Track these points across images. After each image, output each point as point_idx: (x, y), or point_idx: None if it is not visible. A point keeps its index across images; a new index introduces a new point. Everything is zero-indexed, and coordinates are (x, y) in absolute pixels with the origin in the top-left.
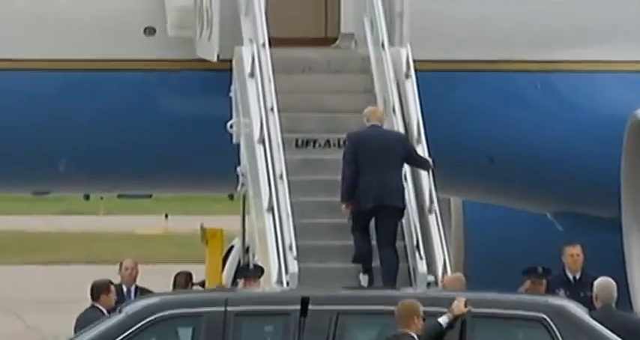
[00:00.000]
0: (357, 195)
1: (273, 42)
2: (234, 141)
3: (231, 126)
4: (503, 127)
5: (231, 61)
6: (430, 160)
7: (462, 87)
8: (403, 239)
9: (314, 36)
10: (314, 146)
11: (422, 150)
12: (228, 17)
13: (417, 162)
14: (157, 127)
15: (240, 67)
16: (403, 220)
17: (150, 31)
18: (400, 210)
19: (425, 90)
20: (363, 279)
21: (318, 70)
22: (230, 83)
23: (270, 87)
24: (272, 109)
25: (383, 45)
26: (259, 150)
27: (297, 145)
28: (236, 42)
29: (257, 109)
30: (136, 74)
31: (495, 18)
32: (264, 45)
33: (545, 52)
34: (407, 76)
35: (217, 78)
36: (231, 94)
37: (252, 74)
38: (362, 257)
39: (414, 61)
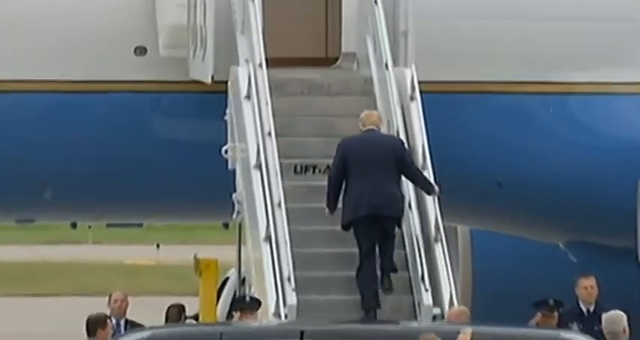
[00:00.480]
0: (348, 204)
1: (271, 62)
2: (230, 166)
3: (226, 151)
4: (513, 152)
5: (226, 82)
6: (437, 187)
7: (469, 109)
8: (408, 270)
9: (314, 56)
10: (314, 172)
11: (428, 175)
12: (223, 36)
13: (411, 173)
14: (148, 152)
15: (235, 88)
16: (407, 250)
17: (140, 50)
18: (395, 219)
19: (431, 113)
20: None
21: (318, 92)
22: (225, 106)
23: (268, 110)
24: (269, 133)
25: (386, 65)
26: (256, 176)
27: (295, 171)
28: (231, 62)
29: (253, 133)
30: (126, 96)
31: (505, 37)
32: (261, 65)
33: (558, 73)
34: (412, 98)
35: (212, 100)
36: (227, 117)
37: (248, 96)
38: (367, 288)
39: (419, 83)
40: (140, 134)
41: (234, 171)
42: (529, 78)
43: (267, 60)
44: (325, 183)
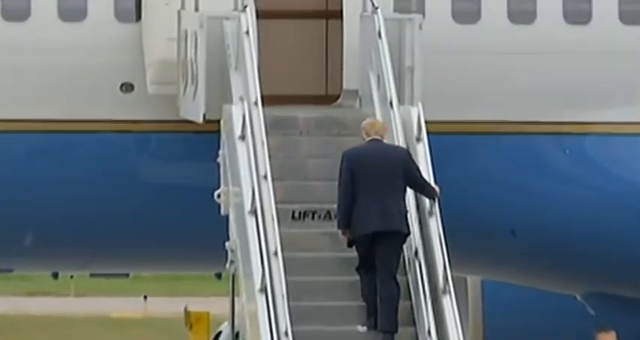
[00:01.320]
0: (356, 219)
1: (267, 100)
2: (223, 212)
3: (219, 196)
4: (527, 197)
5: (219, 121)
6: (437, 187)
7: (480, 151)
8: (414, 324)
9: (313, 93)
10: (313, 218)
11: (435, 222)
12: (215, 72)
13: (419, 185)
14: (135, 196)
15: (229, 128)
16: (413, 302)
17: (127, 87)
18: (404, 235)
19: (438, 155)
20: (362, 330)
21: (318, 132)
22: (218, 147)
23: (264, 152)
24: (265, 176)
25: (391, 103)
26: (251, 222)
27: (294, 217)
28: (225, 100)
29: (248, 176)
30: (112, 136)
31: (517, 73)
32: (256, 103)
33: (575, 112)
34: (418, 138)
35: (203, 141)
36: (219, 159)
37: (242, 136)
38: (366, 301)
39: (426, 122)
40: (127, 177)
41: (227, 217)
42: (543, 117)
43: (262, 97)
44: (326, 229)
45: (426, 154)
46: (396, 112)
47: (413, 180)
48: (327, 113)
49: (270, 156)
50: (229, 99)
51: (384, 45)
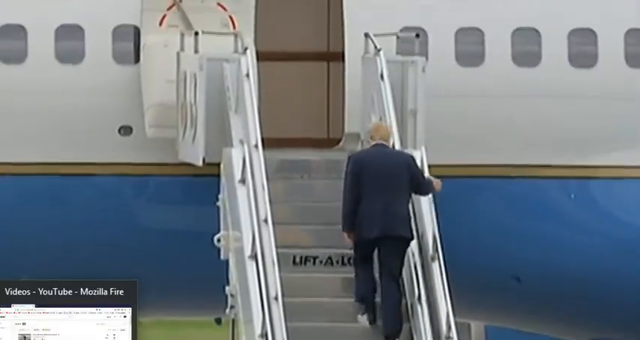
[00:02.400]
0: (360, 223)
1: (268, 143)
2: (223, 256)
3: (218, 240)
4: (532, 243)
5: (218, 164)
6: (433, 180)
7: (484, 195)
8: None
9: (314, 136)
10: (314, 263)
11: (438, 268)
12: (215, 115)
13: (424, 190)
14: (132, 240)
15: (229, 171)
16: None
17: (125, 130)
18: (407, 240)
19: (442, 199)
20: (362, 320)
21: (319, 176)
22: (217, 190)
23: (264, 195)
24: (265, 220)
25: (394, 147)
26: (251, 267)
27: (294, 262)
28: (224, 143)
29: (248, 221)
30: (109, 179)
31: (521, 117)
32: (256, 146)
33: (580, 156)
34: None
35: (203, 184)
36: (219, 203)
37: (243, 180)
38: (363, 296)
39: (429, 166)
40: (124, 221)
41: (227, 261)
42: (548, 161)
43: (263, 140)
44: (328, 274)
45: (429, 198)
46: None
47: (417, 185)
48: (328, 157)
49: (270, 200)
50: (229, 142)
51: (386, 87)
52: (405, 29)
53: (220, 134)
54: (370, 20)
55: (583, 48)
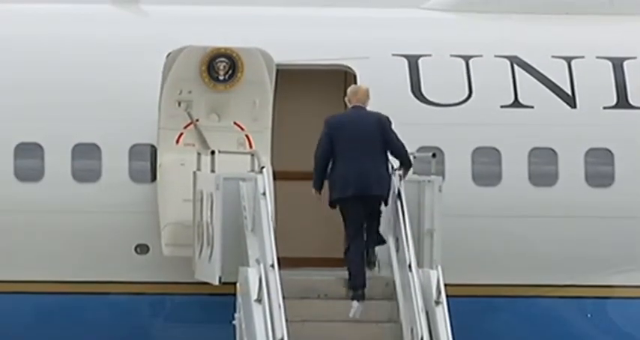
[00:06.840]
0: (335, 183)
1: (284, 263)
2: None
3: None
4: None
5: (235, 284)
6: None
7: (500, 315)
8: None
9: (330, 256)
10: None
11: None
12: (232, 234)
13: (397, 149)
14: None
15: (245, 290)
16: None
17: (142, 249)
18: (383, 197)
19: (458, 320)
20: (355, 308)
21: (336, 296)
22: (233, 309)
23: (280, 315)
24: None
25: (410, 267)
26: None
27: None
28: (241, 262)
29: None
30: (126, 298)
31: (538, 237)
32: (273, 266)
33: (596, 276)
34: (437, 302)
35: (219, 303)
36: (235, 322)
37: (259, 299)
38: (356, 287)
39: (446, 286)
40: (141, 339)
41: None
42: (564, 281)
43: (279, 260)
44: None
45: (445, 318)
46: (415, 276)
47: (389, 143)
48: (344, 277)
49: (286, 320)
50: (245, 261)
51: (403, 207)
52: (422, 149)
53: (236, 253)
54: None
55: (599, 168)
